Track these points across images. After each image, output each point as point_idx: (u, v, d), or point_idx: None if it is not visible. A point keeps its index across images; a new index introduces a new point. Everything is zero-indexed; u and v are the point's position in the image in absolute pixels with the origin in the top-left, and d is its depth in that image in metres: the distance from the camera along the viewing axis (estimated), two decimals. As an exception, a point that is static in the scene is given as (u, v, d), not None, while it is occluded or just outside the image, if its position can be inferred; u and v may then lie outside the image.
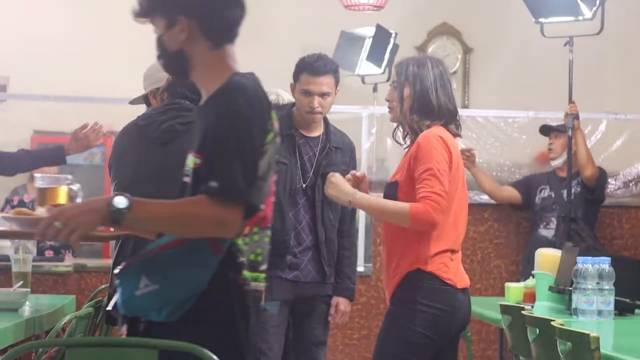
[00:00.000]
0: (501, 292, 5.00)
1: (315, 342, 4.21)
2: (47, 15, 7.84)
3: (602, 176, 6.19)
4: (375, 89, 6.99)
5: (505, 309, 3.88)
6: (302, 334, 4.22)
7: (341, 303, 4.22)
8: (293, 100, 4.38)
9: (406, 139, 3.56)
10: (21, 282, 4.05)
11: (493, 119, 6.87)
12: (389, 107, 3.56)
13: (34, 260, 4.54)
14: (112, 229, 2.85)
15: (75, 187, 3.71)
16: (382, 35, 6.95)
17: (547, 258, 4.43)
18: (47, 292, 5.60)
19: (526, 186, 6.32)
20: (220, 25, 2.47)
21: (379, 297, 6.04)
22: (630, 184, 6.84)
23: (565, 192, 6.12)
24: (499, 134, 6.86)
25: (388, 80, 6.39)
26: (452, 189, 3.41)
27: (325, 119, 4.24)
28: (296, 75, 4.17)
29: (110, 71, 7.64)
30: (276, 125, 2.45)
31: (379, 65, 6.91)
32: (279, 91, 4.48)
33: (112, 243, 3.43)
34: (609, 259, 3.83)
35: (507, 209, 6.47)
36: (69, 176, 3.71)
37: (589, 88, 7.34)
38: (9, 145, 6.95)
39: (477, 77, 8.08)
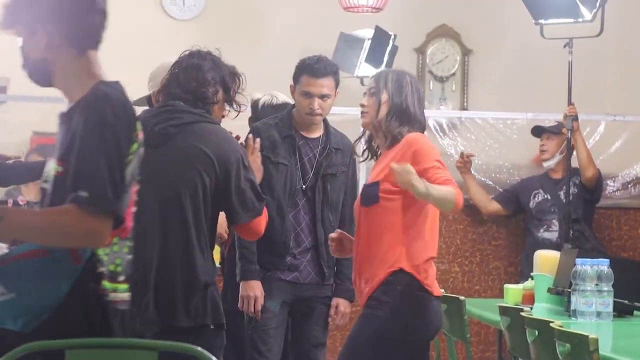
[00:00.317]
0: (500, 294, 5.02)
1: (314, 344, 4.21)
2: (46, 17, 7.84)
3: (600, 177, 6.21)
4: (374, 91, 6.98)
5: (504, 311, 3.89)
6: (302, 336, 4.23)
7: (341, 304, 4.23)
8: (287, 100, 4.39)
9: (373, 144, 3.64)
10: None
11: (492, 121, 6.88)
12: (362, 112, 3.61)
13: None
14: None
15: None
16: (381, 37, 6.95)
17: (546, 259, 4.44)
18: (46, 293, 5.59)
19: (512, 195, 6.32)
20: (81, 32, 2.50)
21: (378, 298, 6.04)
22: (629, 186, 6.85)
23: (562, 193, 6.13)
24: (498, 136, 6.87)
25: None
26: None
27: (325, 121, 4.25)
28: (296, 77, 4.18)
29: (109, 73, 7.63)
30: (141, 136, 2.45)
31: (378, 67, 6.91)
32: (274, 92, 4.50)
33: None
34: (607, 260, 3.84)
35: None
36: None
37: (588, 90, 7.34)
38: (9, 146, 6.96)
39: (476, 78, 8.08)
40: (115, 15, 8.38)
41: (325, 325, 4.26)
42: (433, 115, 7.32)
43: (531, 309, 4.19)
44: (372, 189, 3.51)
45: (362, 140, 3.74)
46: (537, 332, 3.33)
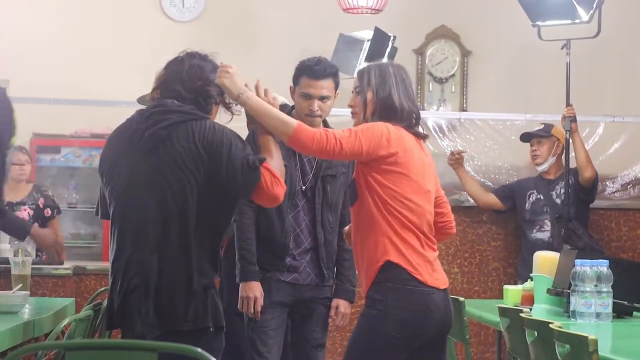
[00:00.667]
0: (499, 295, 5.02)
1: (314, 345, 4.22)
2: (46, 18, 7.84)
3: (597, 177, 6.23)
4: (373, 92, 6.99)
5: (503, 312, 3.89)
6: (301, 337, 4.23)
7: (341, 305, 4.23)
8: (287, 102, 4.39)
9: None
10: (20, 285, 4.06)
11: (491, 122, 6.89)
12: (352, 112, 3.60)
13: (33, 263, 4.55)
14: None
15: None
16: (380, 38, 6.96)
17: (545, 260, 4.44)
18: (46, 295, 5.60)
19: (511, 192, 6.35)
20: None
21: (377, 299, 6.04)
22: (628, 187, 6.87)
23: (554, 193, 6.17)
24: (497, 137, 6.88)
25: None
26: (403, 181, 3.41)
27: (324, 122, 4.25)
28: (296, 79, 4.18)
29: (109, 74, 7.64)
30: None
31: (378, 68, 6.91)
32: (273, 94, 4.49)
33: (110, 242, 3.44)
34: (607, 261, 3.84)
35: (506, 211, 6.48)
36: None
37: (587, 91, 7.34)
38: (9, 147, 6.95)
39: (476, 79, 8.08)
40: (115, 17, 8.41)
41: (325, 326, 4.26)
42: (432, 116, 7.33)
43: (530, 309, 4.19)
44: (351, 187, 3.52)
45: None
46: (536, 333, 3.33)
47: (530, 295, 4.42)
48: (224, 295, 4.22)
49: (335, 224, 4.23)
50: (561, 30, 6.28)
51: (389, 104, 3.49)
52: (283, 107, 4.38)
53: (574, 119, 6.15)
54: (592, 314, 3.79)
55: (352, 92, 3.59)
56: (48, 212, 6.41)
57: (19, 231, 5.45)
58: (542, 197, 6.18)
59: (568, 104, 6.21)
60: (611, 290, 3.80)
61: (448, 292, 3.50)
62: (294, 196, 4.16)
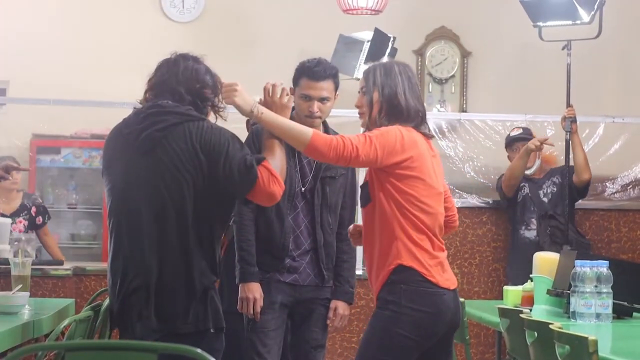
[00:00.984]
0: (499, 295, 5.02)
1: (314, 345, 4.21)
2: (46, 20, 7.85)
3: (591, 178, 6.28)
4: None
5: (503, 312, 3.89)
6: (301, 337, 4.23)
7: (340, 307, 4.23)
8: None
9: None
10: (20, 286, 4.06)
11: (491, 122, 6.89)
12: (359, 113, 3.59)
13: (33, 264, 4.55)
14: None
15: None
16: (380, 39, 6.96)
17: (545, 261, 4.44)
18: (46, 296, 5.61)
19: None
20: None
21: (377, 300, 6.04)
22: (628, 188, 6.87)
23: (541, 192, 6.20)
24: (497, 138, 6.88)
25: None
26: (418, 185, 3.42)
27: (324, 123, 4.25)
28: (296, 80, 4.18)
29: (109, 75, 7.64)
30: None
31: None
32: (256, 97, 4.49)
33: (109, 244, 3.44)
34: (607, 262, 3.84)
35: (506, 212, 6.48)
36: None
37: (587, 91, 7.35)
38: (9, 149, 6.97)
39: (475, 80, 8.09)
40: (115, 17, 8.40)
41: (325, 326, 4.26)
42: (432, 117, 7.32)
43: (530, 310, 4.19)
44: (364, 188, 3.51)
45: None
46: (536, 334, 3.33)
47: (530, 296, 4.42)
48: (224, 296, 4.22)
49: (335, 225, 4.23)
50: (562, 31, 6.28)
51: (396, 104, 3.48)
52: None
53: (574, 120, 6.16)
54: (592, 314, 3.78)
55: (359, 92, 3.59)
56: (40, 219, 6.44)
57: None
58: (530, 195, 6.23)
59: (568, 105, 6.22)
60: (611, 291, 3.80)
61: (457, 291, 3.52)
62: (294, 197, 4.16)
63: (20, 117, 7.22)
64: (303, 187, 4.18)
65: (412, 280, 3.39)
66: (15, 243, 5.58)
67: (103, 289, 4.78)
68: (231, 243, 4.32)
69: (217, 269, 3.36)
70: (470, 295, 6.37)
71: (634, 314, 4.00)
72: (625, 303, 3.95)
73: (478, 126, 6.94)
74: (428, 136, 3.54)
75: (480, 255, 6.51)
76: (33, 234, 5.92)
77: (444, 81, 8.11)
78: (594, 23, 6.15)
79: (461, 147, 6.96)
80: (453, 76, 8.11)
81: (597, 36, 6.20)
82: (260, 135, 4.07)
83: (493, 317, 4.21)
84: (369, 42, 6.97)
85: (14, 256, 4.30)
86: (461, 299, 4.29)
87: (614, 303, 3.82)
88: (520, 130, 6.36)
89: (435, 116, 7.42)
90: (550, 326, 3.10)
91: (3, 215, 6.01)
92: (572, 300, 3.85)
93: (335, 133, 4.31)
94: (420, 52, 8.09)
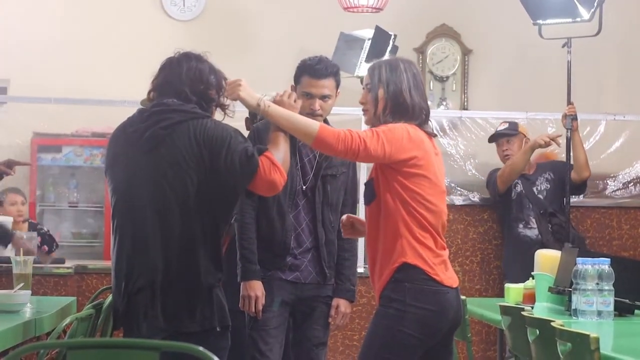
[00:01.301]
0: (501, 293, 5.02)
1: (315, 343, 4.22)
2: (47, 18, 7.85)
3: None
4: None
5: (505, 310, 3.89)
6: (303, 335, 4.23)
7: (341, 305, 4.23)
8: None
9: None
10: (22, 284, 4.06)
11: (492, 120, 6.88)
12: (363, 110, 3.57)
13: (34, 262, 4.55)
14: None
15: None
16: (381, 37, 6.95)
17: (546, 259, 4.44)
18: (48, 294, 5.61)
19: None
20: None
21: (378, 298, 6.04)
22: (629, 185, 6.87)
23: (535, 189, 6.17)
24: (498, 136, 6.86)
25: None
26: (424, 183, 3.41)
27: (325, 121, 4.24)
28: (297, 78, 4.18)
29: (110, 73, 7.64)
30: None
31: (378, 67, 6.90)
32: (273, 92, 4.50)
33: (112, 244, 3.44)
34: (608, 259, 3.84)
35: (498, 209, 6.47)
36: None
37: (588, 89, 7.35)
38: (10, 147, 6.97)
39: (476, 78, 8.09)
40: (116, 16, 8.39)
41: (326, 324, 4.26)
42: (433, 115, 7.32)
43: (532, 308, 4.19)
44: (369, 186, 3.51)
45: None
46: (538, 332, 3.33)
47: (532, 293, 4.42)
48: (226, 294, 4.22)
49: (336, 223, 4.22)
50: (562, 29, 6.27)
51: (401, 101, 3.46)
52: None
53: (575, 118, 6.15)
54: (593, 312, 3.78)
55: (363, 88, 3.57)
56: (45, 248, 6.41)
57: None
58: (524, 192, 6.19)
59: (569, 103, 6.21)
60: (613, 288, 3.80)
61: (459, 290, 3.52)
62: (295, 196, 4.16)
63: (21, 115, 7.22)
64: (304, 185, 4.18)
65: (417, 278, 3.39)
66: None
67: (105, 287, 4.79)
68: (233, 241, 4.32)
69: (222, 266, 3.37)
70: (472, 293, 6.37)
71: (636, 311, 4.00)
72: (627, 300, 3.95)
73: (479, 124, 6.94)
74: (431, 134, 3.54)
75: (481, 253, 6.51)
76: (34, 233, 5.92)
77: (445, 79, 8.11)
78: (594, 20, 6.14)
79: (462, 145, 6.96)
80: (454, 74, 8.11)
81: (597, 33, 6.19)
82: (261, 133, 4.09)
83: (495, 314, 4.21)
84: (370, 40, 6.97)
85: (16, 255, 4.30)
86: (463, 297, 4.30)
87: (615, 300, 3.82)
88: (507, 125, 6.30)
89: (436, 114, 7.42)
90: (552, 324, 3.10)
91: None
92: (574, 297, 3.85)
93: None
94: (421, 50, 8.08)
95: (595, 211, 6.57)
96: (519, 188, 6.20)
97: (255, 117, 4.47)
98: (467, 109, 7.89)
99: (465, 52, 8.07)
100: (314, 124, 3.39)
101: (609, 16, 6.32)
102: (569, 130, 6.15)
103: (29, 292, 3.99)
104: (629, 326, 3.83)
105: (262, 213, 4.14)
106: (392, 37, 7.02)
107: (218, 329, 3.29)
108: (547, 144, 6.06)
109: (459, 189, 6.71)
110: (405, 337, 3.36)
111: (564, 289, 4.08)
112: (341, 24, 7.27)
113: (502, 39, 7.91)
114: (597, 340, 2.79)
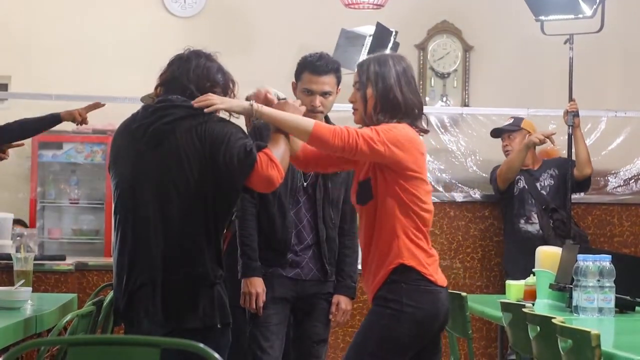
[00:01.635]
0: (502, 290, 5.01)
1: (316, 340, 4.22)
2: (48, 15, 7.85)
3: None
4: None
5: (506, 307, 3.89)
6: (303, 332, 4.23)
7: (342, 301, 4.22)
8: (283, 95, 4.38)
9: None
10: (23, 281, 4.06)
11: (494, 117, 6.89)
12: (353, 108, 3.52)
13: (35, 259, 4.55)
14: None
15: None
16: (382, 34, 6.96)
17: (547, 255, 4.44)
18: (48, 291, 5.61)
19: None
20: None
21: (379, 295, 6.04)
22: (630, 182, 6.87)
23: (538, 185, 6.16)
24: (500, 132, 6.86)
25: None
26: (421, 185, 3.40)
27: (326, 118, 4.25)
28: (298, 74, 4.17)
29: (110, 70, 7.64)
30: None
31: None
32: (274, 89, 4.49)
33: (113, 241, 3.44)
34: (609, 256, 3.84)
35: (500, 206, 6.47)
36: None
37: (589, 86, 7.34)
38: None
39: (478, 75, 8.08)
40: (117, 12, 8.37)
41: (327, 321, 4.26)
42: (435, 111, 7.32)
43: (533, 305, 4.18)
44: (365, 186, 3.45)
45: None
46: (539, 328, 3.33)
47: (533, 290, 4.42)
48: (227, 290, 4.22)
49: (337, 219, 4.22)
50: (564, 25, 6.27)
51: (391, 97, 3.41)
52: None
53: (576, 114, 6.15)
54: (594, 309, 3.78)
55: (353, 87, 3.55)
56: None
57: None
58: (527, 187, 6.18)
59: (571, 99, 6.21)
60: (614, 285, 3.80)
61: (447, 289, 3.52)
62: (295, 192, 4.16)
63: (22, 112, 7.22)
64: (305, 182, 4.18)
65: (413, 278, 3.38)
66: (18, 238, 5.60)
67: (105, 284, 4.79)
68: (233, 238, 4.32)
69: (222, 262, 3.36)
70: (473, 290, 6.37)
71: (637, 308, 4.00)
72: (628, 297, 3.95)
73: (480, 120, 6.94)
74: (424, 131, 3.50)
75: (482, 250, 6.50)
76: (35, 230, 5.92)
77: (446, 75, 8.10)
78: (596, 17, 6.14)
79: (463, 142, 6.96)
80: (455, 70, 8.10)
81: (600, 30, 6.19)
82: (261, 130, 4.08)
83: (495, 311, 4.21)
84: (371, 37, 6.97)
85: (16, 251, 4.30)
86: (463, 294, 4.31)
87: (616, 297, 3.82)
88: (512, 120, 6.29)
89: (438, 110, 7.42)
90: (553, 320, 3.10)
91: None
92: (575, 294, 3.85)
93: (337, 127, 4.31)
94: (422, 47, 8.08)
95: (596, 208, 6.57)
96: (522, 184, 6.19)
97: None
98: (468, 106, 7.89)
99: (467, 48, 8.07)
100: (309, 121, 3.37)
101: (611, 13, 6.31)
102: (570, 127, 6.14)
103: (30, 289, 3.99)
104: (630, 323, 3.83)
105: (263, 210, 4.13)
106: (393, 33, 7.02)
107: (219, 326, 3.29)
108: (541, 142, 6.06)
109: (459, 185, 6.71)
110: (401, 337, 3.36)
111: (564, 285, 4.08)
112: (342, 20, 7.27)
113: (504, 35, 7.91)
114: (598, 337, 2.79)
